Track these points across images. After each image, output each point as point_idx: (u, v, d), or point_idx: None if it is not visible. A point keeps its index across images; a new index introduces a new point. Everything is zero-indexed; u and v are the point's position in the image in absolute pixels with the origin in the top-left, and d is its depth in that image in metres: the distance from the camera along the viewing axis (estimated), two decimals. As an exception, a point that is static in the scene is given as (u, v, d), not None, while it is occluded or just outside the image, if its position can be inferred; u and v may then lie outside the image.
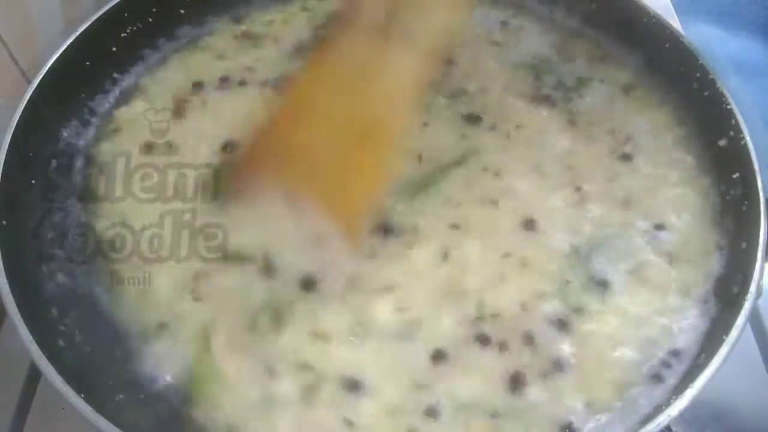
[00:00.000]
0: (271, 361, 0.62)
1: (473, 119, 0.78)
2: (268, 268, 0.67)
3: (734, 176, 0.70)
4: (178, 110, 0.80)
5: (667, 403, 0.56)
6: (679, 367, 0.62)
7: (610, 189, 0.73)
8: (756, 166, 0.67)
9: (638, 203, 0.72)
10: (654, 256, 0.69)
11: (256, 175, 0.66)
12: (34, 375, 0.73)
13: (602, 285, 0.67)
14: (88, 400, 0.55)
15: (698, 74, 0.75)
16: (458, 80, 0.82)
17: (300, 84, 0.70)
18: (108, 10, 0.79)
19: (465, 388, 0.61)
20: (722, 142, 0.72)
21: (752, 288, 0.60)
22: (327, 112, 0.65)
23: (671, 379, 0.62)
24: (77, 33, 0.76)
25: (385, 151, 0.67)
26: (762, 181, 0.66)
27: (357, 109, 0.65)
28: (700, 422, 0.70)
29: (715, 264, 0.68)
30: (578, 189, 0.73)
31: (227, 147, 0.76)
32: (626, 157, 0.76)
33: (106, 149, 0.78)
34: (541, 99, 0.80)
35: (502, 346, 0.63)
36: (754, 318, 0.79)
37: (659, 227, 0.70)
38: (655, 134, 0.78)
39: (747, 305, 0.60)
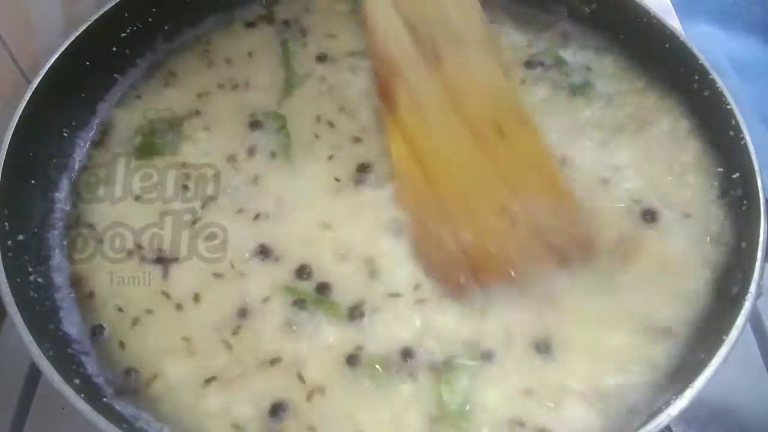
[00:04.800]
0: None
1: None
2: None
3: (734, 176, 0.70)
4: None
5: (667, 403, 0.56)
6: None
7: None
8: (756, 166, 0.67)
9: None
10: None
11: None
12: (34, 375, 0.73)
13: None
14: (88, 399, 0.55)
15: (698, 74, 0.75)
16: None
17: (400, 145, 0.72)
18: (108, 10, 0.79)
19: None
20: (722, 142, 0.72)
21: (752, 288, 0.60)
22: (448, 143, 0.71)
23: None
24: (77, 33, 0.76)
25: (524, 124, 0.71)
26: (762, 181, 0.66)
27: (470, 118, 0.71)
28: (700, 422, 0.70)
29: (714, 264, 0.68)
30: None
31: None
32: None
33: (106, 149, 0.78)
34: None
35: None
36: (754, 318, 0.79)
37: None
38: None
39: (747, 305, 0.60)
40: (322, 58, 0.84)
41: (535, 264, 0.66)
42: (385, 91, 0.74)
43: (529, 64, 0.83)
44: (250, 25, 0.88)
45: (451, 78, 0.72)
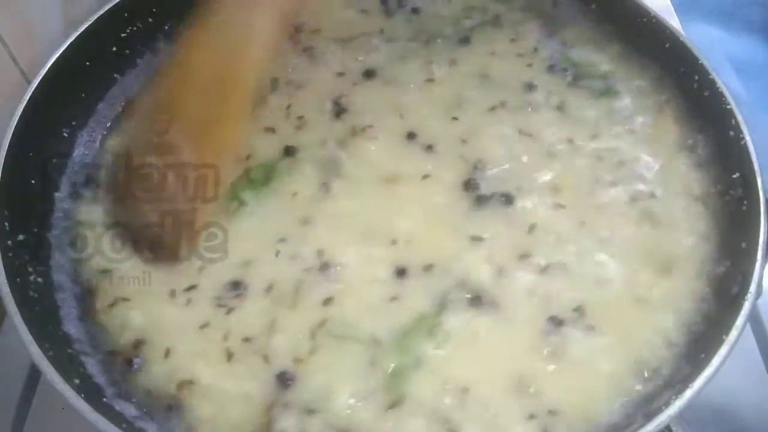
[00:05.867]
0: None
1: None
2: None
3: (734, 176, 0.70)
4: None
5: (667, 403, 0.56)
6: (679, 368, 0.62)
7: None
8: (756, 166, 0.67)
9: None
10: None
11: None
12: (34, 375, 0.73)
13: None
14: (88, 399, 0.55)
15: (698, 74, 0.75)
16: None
17: (183, 48, 0.74)
18: (108, 10, 0.79)
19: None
20: (722, 142, 0.72)
21: (752, 288, 0.60)
22: (200, 72, 0.70)
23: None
24: (77, 33, 0.76)
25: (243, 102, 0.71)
26: (762, 181, 0.66)
27: (219, 67, 0.69)
28: (700, 422, 0.70)
29: (714, 264, 0.68)
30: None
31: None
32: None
33: (106, 149, 0.78)
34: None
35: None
36: (754, 318, 0.79)
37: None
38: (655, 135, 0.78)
39: (747, 305, 0.60)
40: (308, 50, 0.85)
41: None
42: None
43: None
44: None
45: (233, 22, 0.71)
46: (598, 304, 0.66)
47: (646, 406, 0.59)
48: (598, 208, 0.72)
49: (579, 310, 0.65)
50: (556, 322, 0.64)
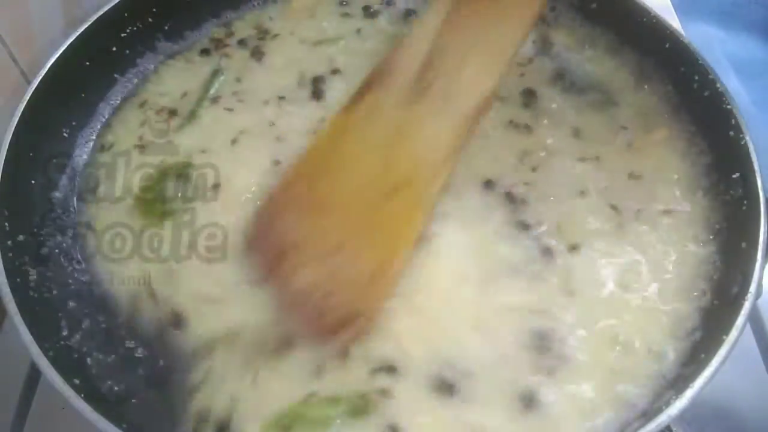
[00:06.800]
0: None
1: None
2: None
3: (734, 176, 0.70)
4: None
5: (667, 403, 0.56)
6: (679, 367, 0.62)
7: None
8: (756, 166, 0.67)
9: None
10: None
11: (281, 222, 0.66)
12: (34, 375, 0.73)
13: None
14: (88, 399, 0.55)
15: (698, 74, 0.75)
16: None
17: (331, 134, 0.70)
18: (108, 10, 0.79)
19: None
20: (722, 142, 0.72)
21: (752, 288, 0.60)
22: (356, 165, 0.66)
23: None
24: (77, 33, 0.76)
25: (413, 209, 0.65)
26: (762, 181, 0.66)
27: (387, 166, 0.65)
28: (700, 422, 0.70)
29: (714, 264, 0.68)
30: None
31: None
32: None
33: (106, 149, 0.78)
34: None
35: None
36: (754, 318, 0.79)
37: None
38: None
39: (747, 305, 0.59)
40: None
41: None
42: (371, 80, 0.70)
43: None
44: (205, 52, 0.87)
45: (412, 118, 0.67)
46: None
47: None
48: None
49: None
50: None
